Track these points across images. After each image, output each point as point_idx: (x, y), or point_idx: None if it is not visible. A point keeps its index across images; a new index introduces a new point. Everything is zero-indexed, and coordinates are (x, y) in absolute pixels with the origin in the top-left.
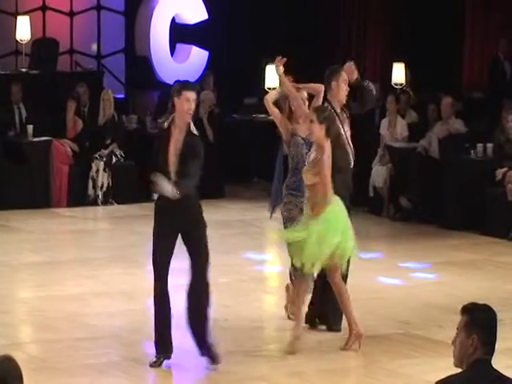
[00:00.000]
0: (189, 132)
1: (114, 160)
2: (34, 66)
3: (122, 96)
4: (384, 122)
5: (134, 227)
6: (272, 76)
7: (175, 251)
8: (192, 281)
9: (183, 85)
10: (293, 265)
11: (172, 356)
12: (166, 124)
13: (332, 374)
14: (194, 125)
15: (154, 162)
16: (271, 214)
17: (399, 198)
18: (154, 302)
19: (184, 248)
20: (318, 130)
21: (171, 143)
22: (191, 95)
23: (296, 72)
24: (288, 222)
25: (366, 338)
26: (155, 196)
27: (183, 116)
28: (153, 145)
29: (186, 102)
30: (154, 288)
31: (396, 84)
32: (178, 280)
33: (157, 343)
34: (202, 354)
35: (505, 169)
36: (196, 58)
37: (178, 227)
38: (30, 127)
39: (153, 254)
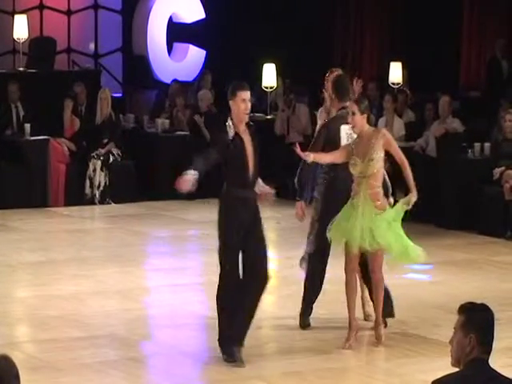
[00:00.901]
0: (252, 132)
1: (111, 159)
2: (32, 65)
3: (119, 95)
4: (381, 122)
5: (131, 226)
6: (269, 75)
7: (172, 250)
8: (253, 275)
9: (236, 85)
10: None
11: (170, 355)
12: (230, 133)
13: (329, 373)
14: (190, 126)
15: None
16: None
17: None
18: (223, 297)
19: (181, 248)
20: (361, 121)
21: (247, 147)
22: (246, 95)
23: (293, 71)
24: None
25: (363, 338)
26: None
27: (241, 117)
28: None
29: (242, 102)
30: (225, 284)
31: (393, 83)
32: (174, 280)
33: (231, 336)
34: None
35: (502, 168)
36: (193, 57)
37: (246, 224)
38: (28, 126)
39: (226, 252)
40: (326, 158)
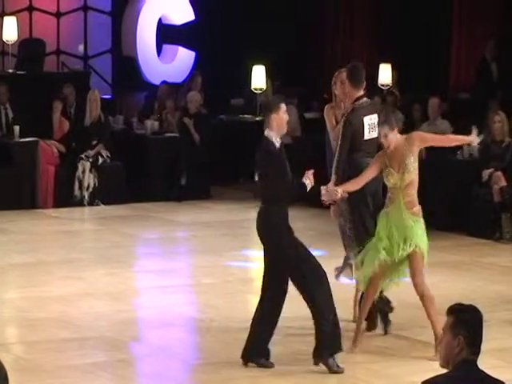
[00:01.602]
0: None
1: (101, 161)
2: (21, 67)
3: (108, 96)
4: None
5: (121, 228)
6: (258, 77)
7: (161, 252)
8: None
9: (276, 99)
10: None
11: (159, 357)
12: (277, 144)
13: (318, 375)
14: (179, 128)
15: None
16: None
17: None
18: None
19: (170, 249)
20: (394, 137)
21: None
22: (284, 106)
23: (283, 73)
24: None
25: (350, 339)
26: None
27: (284, 127)
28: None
29: (285, 114)
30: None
31: (382, 85)
32: (163, 281)
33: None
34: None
35: (491, 169)
36: (183, 58)
37: None
38: (17, 128)
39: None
40: (355, 185)
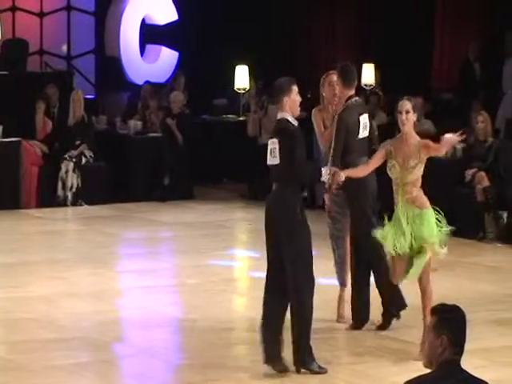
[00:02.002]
0: None
1: (84, 161)
2: (4, 67)
3: (91, 97)
4: None
5: (104, 228)
6: (241, 77)
7: (144, 252)
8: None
9: (288, 81)
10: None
11: (142, 358)
12: (295, 124)
13: (299, 375)
14: (162, 128)
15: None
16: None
17: None
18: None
19: (153, 249)
20: (412, 121)
21: None
22: (296, 87)
23: (266, 72)
24: None
25: (334, 339)
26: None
27: (297, 109)
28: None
29: (297, 95)
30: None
31: (366, 85)
32: (146, 282)
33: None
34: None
35: (474, 169)
36: (166, 58)
37: None
38: (0, 128)
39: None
40: (360, 172)
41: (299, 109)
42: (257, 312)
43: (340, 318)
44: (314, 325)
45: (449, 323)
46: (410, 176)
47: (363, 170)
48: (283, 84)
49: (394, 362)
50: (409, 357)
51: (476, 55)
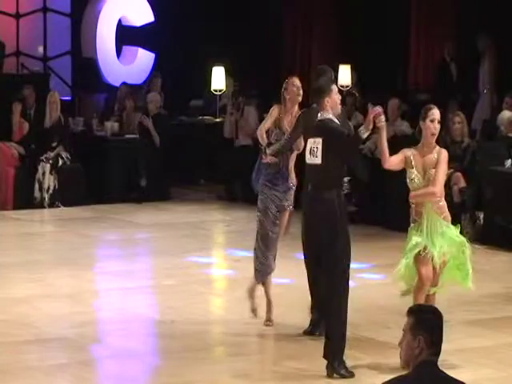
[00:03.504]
0: None
1: (61, 162)
2: None
3: (68, 98)
4: None
5: (81, 230)
6: (218, 78)
7: (121, 253)
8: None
9: (328, 81)
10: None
11: (119, 359)
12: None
13: (278, 376)
14: (139, 129)
15: None
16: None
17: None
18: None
19: (130, 251)
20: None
21: None
22: (335, 87)
23: (242, 74)
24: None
25: (311, 340)
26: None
27: (338, 108)
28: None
29: (337, 94)
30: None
31: (342, 86)
32: (123, 283)
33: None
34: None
35: (451, 170)
36: (142, 60)
37: None
38: None
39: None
40: (384, 154)
41: (339, 107)
42: (233, 313)
43: (267, 321)
44: (293, 329)
45: (425, 324)
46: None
47: (384, 157)
48: (323, 85)
49: (370, 362)
50: (386, 357)
51: (452, 55)
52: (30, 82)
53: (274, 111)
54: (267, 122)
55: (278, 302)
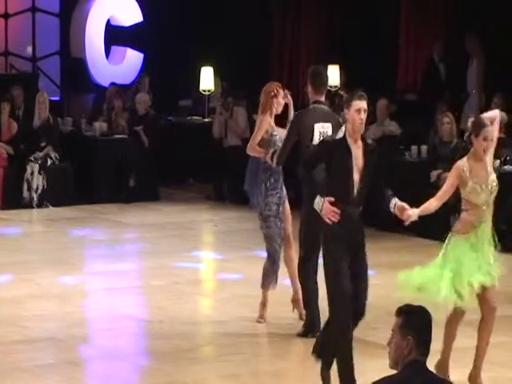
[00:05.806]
0: (367, 150)
1: (49, 162)
2: None
3: (57, 98)
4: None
5: (69, 230)
6: (207, 78)
7: (109, 254)
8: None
9: (353, 95)
10: None
11: (108, 359)
12: (339, 134)
13: (267, 377)
14: (129, 132)
15: None
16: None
17: None
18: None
19: (119, 251)
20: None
21: (354, 161)
22: (361, 104)
23: (232, 74)
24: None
25: (298, 341)
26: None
27: (354, 127)
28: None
29: (356, 113)
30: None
31: (330, 86)
32: (112, 283)
33: None
34: None
35: (439, 170)
36: (131, 60)
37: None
38: None
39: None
40: (433, 206)
41: (359, 127)
42: (222, 314)
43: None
44: (283, 329)
45: (415, 324)
46: (493, 195)
47: (437, 202)
48: (348, 96)
49: (358, 362)
50: (374, 357)
51: (441, 56)
52: (19, 83)
53: (263, 123)
54: (258, 135)
55: (269, 300)
